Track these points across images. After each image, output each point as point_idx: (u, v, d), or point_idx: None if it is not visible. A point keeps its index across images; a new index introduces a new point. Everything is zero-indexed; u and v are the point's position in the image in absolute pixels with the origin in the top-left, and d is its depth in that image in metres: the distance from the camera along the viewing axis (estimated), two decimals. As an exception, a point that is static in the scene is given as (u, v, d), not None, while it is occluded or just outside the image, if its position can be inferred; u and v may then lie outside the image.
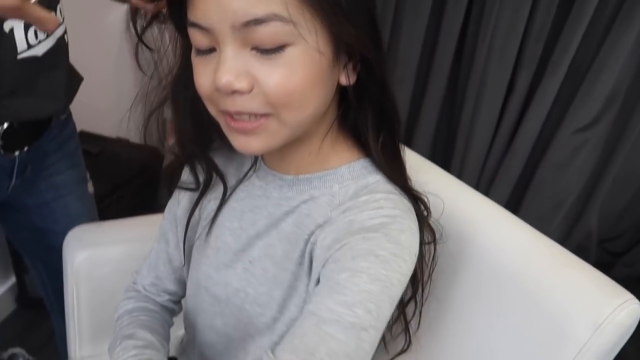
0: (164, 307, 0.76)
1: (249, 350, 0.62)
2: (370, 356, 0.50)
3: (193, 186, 0.67)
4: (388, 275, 0.50)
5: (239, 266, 0.62)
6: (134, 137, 1.74)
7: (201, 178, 0.66)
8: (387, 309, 0.50)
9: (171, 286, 0.74)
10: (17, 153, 0.83)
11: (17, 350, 1.01)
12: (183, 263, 0.70)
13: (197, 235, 0.67)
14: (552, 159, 1.71)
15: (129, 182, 1.57)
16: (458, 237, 0.69)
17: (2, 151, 0.80)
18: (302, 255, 0.57)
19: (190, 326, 0.72)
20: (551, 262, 0.64)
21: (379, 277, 0.49)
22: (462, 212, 0.70)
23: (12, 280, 1.65)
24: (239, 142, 0.51)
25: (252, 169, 0.64)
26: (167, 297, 0.76)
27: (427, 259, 0.66)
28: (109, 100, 1.66)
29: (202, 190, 0.65)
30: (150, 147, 1.69)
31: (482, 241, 0.68)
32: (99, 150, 1.61)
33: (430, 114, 1.75)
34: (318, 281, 0.53)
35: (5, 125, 0.78)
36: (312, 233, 0.56)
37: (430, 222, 0.63)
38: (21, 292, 1.64)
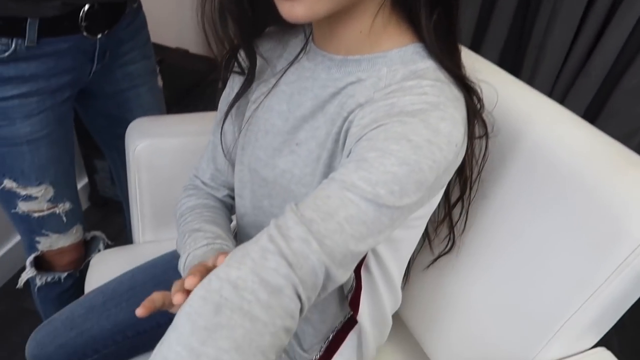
0: (223, 202, 0.79)
1: None
2: (388, 232, 0.50)
3: (244, 71, 0.67)
4: (418, 160, 0.49)
5: (286, 148, 0.63)
6: (194, 47, 1.77)
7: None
8: (413, 193, 0.49)
9: (230, 178, 0.77)
10: (99, 36, 0.88)
11: (97, 233, 1.11)
12: (233, 145, 0.72)
13: (246, 119, 0.69)
14: (628, 86, 1.57)
15: (188, 92, 1.61)
16: (512, 133, 0.66)
17: (85, 33, 0.86)
18: (339, 132, 0.57)
19: (239, 211, 0.75)
20: (614, 160, 0.60)
21: (408, 161, 0.48)
22: (518, 108, 0.67)
23: (85, 180, 1.78)
24: (284, 8, 0.50)
25: (303, 51, 0.63)
26: (226, 192, 0.79)
27: (477, 155, 0.65)
28: (168, 9, 1.68)
29: (248, 73, 0.66)
30: (209, 58, 1.70)
31: (539, 138, 0.65)
32: (159, 60, 1.64)
33: (499, 29, 1.64)
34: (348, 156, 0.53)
35: (87, 6, 0.83)
36: (352, 111, 0.56)
37: (483, 115, 0.60)
38: (92, 191, 1.78)
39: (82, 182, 1.78)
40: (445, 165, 0.51)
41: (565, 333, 0.62)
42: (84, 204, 1.80)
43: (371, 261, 0.65)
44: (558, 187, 0.63)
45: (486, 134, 0.62)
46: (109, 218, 1.71)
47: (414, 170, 0.49)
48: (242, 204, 0.72)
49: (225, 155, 0.75)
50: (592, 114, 1.69)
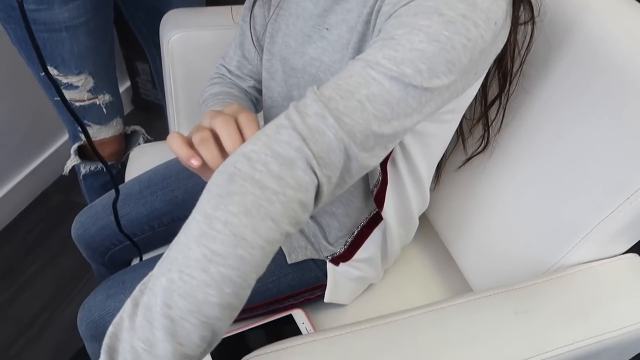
0: (248, 93, 0.78)
1: None
2: (416, 117, 0.48)
3: None
4: (450, 37, 0.45)
5: (315, 34, 0.60)
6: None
7: None
8: (444, 74, 0.46)
9: (258, 67, 0.75)
10: None
11: (137, 127, 1.14)
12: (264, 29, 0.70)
13: (277, 3, 0.66)
14: None
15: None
16: (563, 21, 0.61)
17: None
18: (370, 13, 0.54)
19: (266, 104, 0.74)
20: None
21: (438, 37, 0.45)
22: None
23: (127, 83, 1.81)
24: None
25: None
26: (252, 82, 0.77)
27: (520, 44, 0.60)
28: None
29: None
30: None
31: (594, 29, 0.59)
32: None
33: None
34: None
35: None
36: None
37: None
38: (135, 94, 1.81)
39: (124, 86, 1.81)
40: (482, 46, 0.48)
41: (595, 236, 0.61)
42: (127, 108, 1.84)
43: (398, 155, 0.64)
44: (609, 84, 0.58)
45: (532, 19, 0.57)
46: (150, 121, 1.75)
47: (444, 49, 0.45)
48: (269, 95, 0.71)
49: (253, 42, 0.73)
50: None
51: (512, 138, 0.70)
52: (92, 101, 0.98)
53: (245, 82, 0.77)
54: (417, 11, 0.46)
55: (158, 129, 1.59)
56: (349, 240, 0.75)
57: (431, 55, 0.45)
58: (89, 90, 0.96)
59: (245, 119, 0.51)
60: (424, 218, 0.88)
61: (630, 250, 0.64)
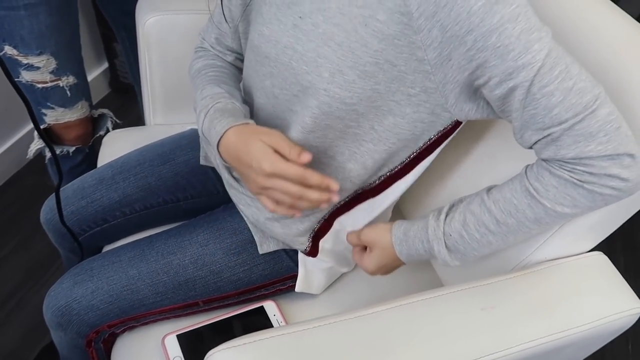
0: (232, 65, 0.78)
1: (295, 109, 0.63)
2: None
3: None
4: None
5: (288, 22, 0.59)
6: None
7: None
8: None
9: (234, 44, 0.75)
10: None
11: (105, 110, 1.11)
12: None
13: None
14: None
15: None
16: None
17: None
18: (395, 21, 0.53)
19: (246, 92, 0.73)
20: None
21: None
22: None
23: (105, 65, 1.77)
24: None
25: None
26: (233, 55, 0.77)
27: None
28: None
29: None
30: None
31: (572, 27, 0.60)
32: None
33: None
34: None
35: None
36: None
37: None
38: (113, 76, 1.77)
39: (102, 67, 1.77)
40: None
41: (562, 235, 0.62)
42: (104, 90, 1.80)
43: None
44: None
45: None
46: (129, 105, 1.72)
47: None
48: (248, 81, 0.71)
49: (227, 22, 0.72)
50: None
51: (485, 130, 0.70)
52: (55, 83, 0.94)
53: (227, 56, 0.77)
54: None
55: (137, 114, 1.56)
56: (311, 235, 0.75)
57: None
58: (51, 72, 0.93)
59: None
60: (396, 210, 0.89)
61: (595, 249, 0.65)
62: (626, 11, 0.63)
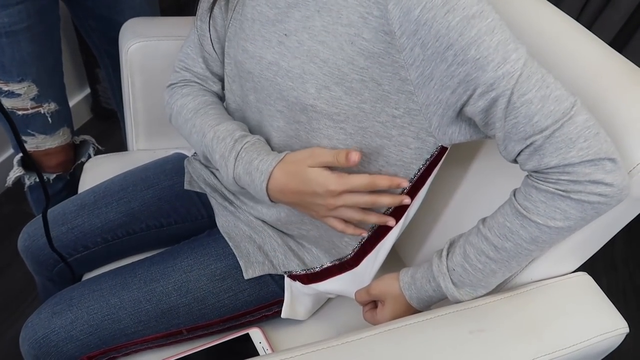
0: (220, 96, 0.77)
1: (278, 125, 0.64)
2: None
3: None
4: None
5: (273, 39, 0.60)
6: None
7: None
8: None
9: (220, 70, 0.75)
10: None
11: (87, 137, 1.10)
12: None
13: (234, 8, 0.66)
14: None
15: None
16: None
17: None
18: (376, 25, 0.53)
19: (230, 107, 0.73)
20: (620, 79, 0.57)
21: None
22: (529, 23, 0.63)
23: (87, 90, 1.76)
24: None
25: None
26: (220, 84, 0.77)
27: None
28: None
29: None
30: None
31: (548, 53, 0.61)
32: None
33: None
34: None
35: None
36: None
37: None
38: (95, 102, 1.76)
39: (84, 93, 1.76)
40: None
41: (547, 255, 0.62)
42: (86, 116, 1.79)
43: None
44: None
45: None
46: (111, 131, 1.70)
47: None
48: (233, 99, 0.71)
49: (212, 45, 0.72)
50: (616, 48, 1.62)
51: (462, 147, 0.71)
52: (36, 110, 0.93)
53: (215, 86, 0.77)
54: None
55: (119, 140, 1.55)
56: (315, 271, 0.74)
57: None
58: (32, 99, 0.92)
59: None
60: (396, 258, 0.88)
61: (579, 269, 0.65)
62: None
